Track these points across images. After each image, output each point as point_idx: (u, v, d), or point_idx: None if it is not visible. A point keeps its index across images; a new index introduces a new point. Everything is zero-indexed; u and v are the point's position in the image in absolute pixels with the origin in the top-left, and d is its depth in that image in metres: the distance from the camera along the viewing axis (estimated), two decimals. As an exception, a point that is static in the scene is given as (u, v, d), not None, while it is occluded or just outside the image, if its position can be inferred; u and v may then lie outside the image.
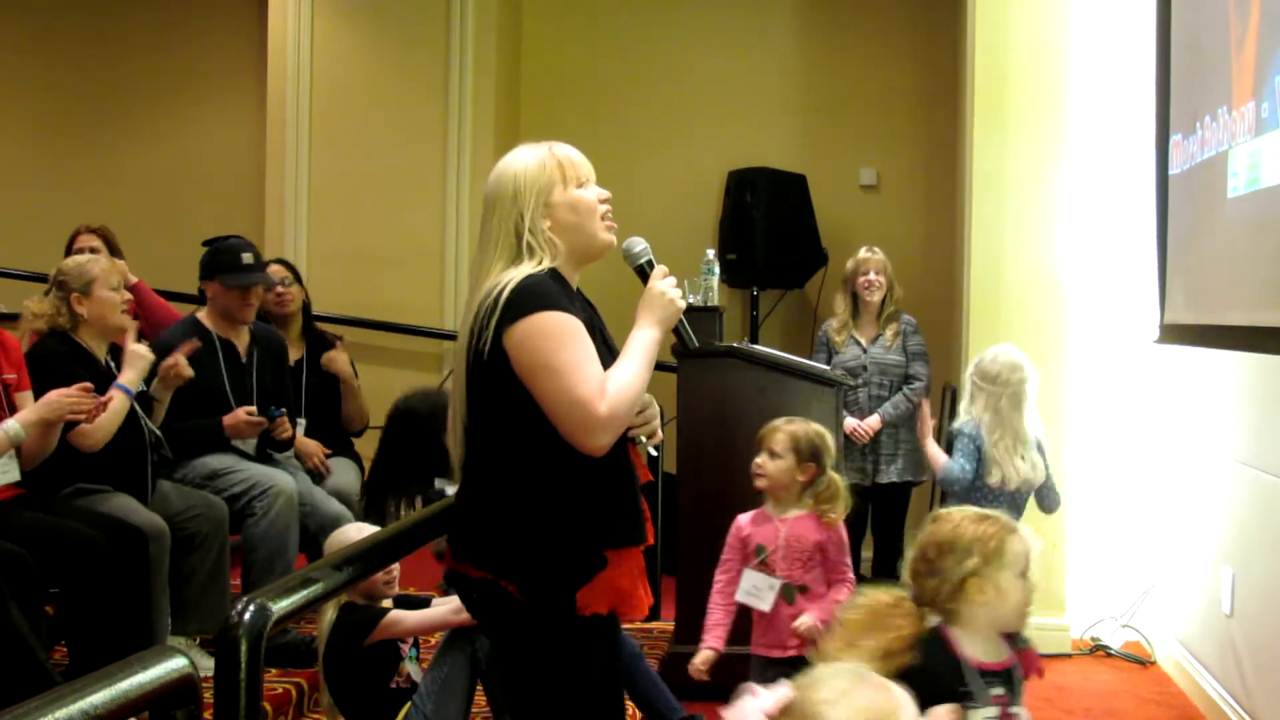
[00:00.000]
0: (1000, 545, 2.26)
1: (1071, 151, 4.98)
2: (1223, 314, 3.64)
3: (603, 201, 2.34)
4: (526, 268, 2.24)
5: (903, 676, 1.90)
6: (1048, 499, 4.13)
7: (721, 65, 6.44)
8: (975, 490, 3.99)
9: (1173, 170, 4.15)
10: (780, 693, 1.44)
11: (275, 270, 4.70)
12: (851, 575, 3.44)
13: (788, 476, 3.37)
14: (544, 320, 2.18)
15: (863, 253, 5.21)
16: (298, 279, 4.78)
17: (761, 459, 3.39)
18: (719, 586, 3.43)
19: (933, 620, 2.24)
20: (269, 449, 4.20)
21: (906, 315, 5.24)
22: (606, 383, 2.18)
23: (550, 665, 2.25)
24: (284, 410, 4.16)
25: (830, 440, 3.44)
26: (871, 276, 5.14)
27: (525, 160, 2.32)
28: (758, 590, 3.36)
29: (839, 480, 3.42)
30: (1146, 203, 4.54)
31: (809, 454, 3.38)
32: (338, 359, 4.70)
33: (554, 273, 2.27)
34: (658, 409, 2.38)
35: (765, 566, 3.37)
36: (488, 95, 6.22)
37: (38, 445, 3.34)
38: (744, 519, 3.46)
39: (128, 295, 3.72)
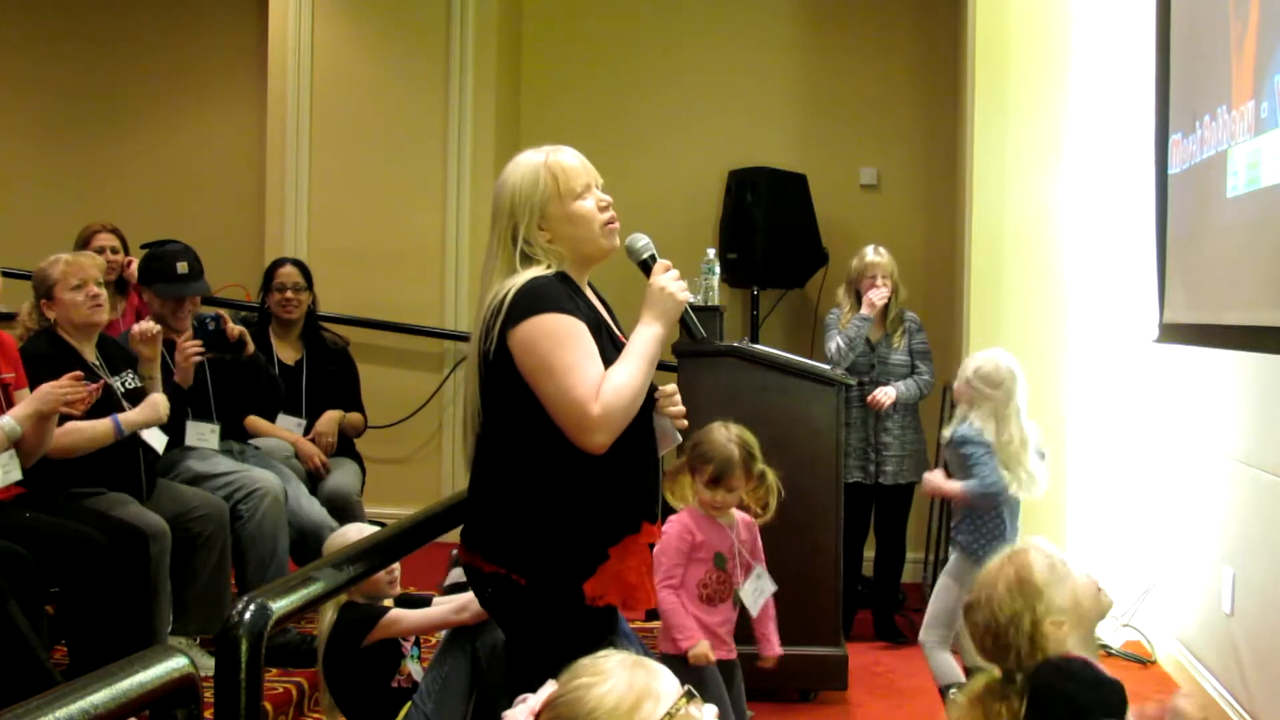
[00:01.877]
0: (1029, 577, 2.15)
1: (1071, 151, 4.98)
2: (1222, 313, 3.64)
3: (604, 208, 2.38)
4: (533, 271, 2.30)
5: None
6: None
7: (722, 65, 6.44)
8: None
9: (1172, 170, 4.15)
10: (547, 689, 1.41)
11: (288, 274, 4.64)
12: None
13: (741, 497, 3.34)
14: (545, 322, 2.24)
15: (870, 255, 5.10)
16: (309, 284, 4.68)
17: (720, 494, 3.28)
18: (672, 593, 3.28)
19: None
20: (226, 352, 4.10)
21: (911, 313, 5.22)
22: (604, 383, 2.23)
23: (562, 656, 2.28)
24: (219, 315, 4.09)
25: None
26: (879, 281, 5.08)
27: (521, 173, 2.36)
28: (754, 595, 3.36)
29: (771, 475, 3.34)
30: (1146, 202, 4.54)
31: (755, 466, 3.31)
32: (323, 437, 4.58)
33: (561, 275, 2.33)
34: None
35: (726, 575, 3.34)
36: (488, 95, 6.22)
37: (34, 440, 3.33)
38: (688, 523, 3.33)
39: (95, 291, 3.62)
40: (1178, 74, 4.12)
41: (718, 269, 4.53)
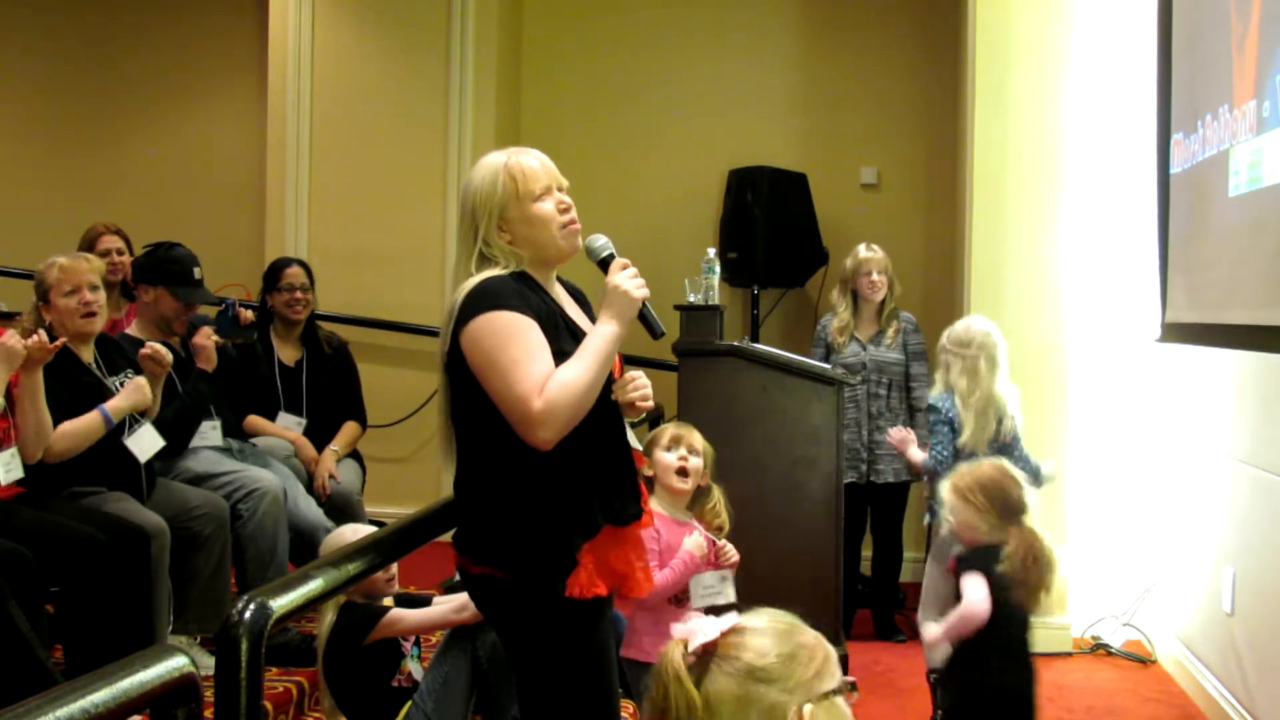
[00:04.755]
0: None
1: (1072, 150, 4.98)
2: (1224, 313, 3.64)
3: (563, 210, 2.38)
4: (489, 272, 2.33)
5: None
6: (1023, 467, 3.80)
7: (722, 64, 6.43)
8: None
9: (1174, 169, 4.15)
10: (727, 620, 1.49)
11: (295, 274, 4.60)
12: None
13: (701, 479, 3.34)
14: (491, 319, 2.25)
15: (863, 251, 5.16)
16: (312, 284, 4.66)
17: (684, 454, 3.30)
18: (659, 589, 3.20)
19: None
20: (239, 336, 4.30)
21: (906, 313, 5.23)
22: (550, 379, 2.23)
23: (554, 652, 2.32)
24: (233, 300, 4.29)
25: None
26: (874, 277, 5.10)
27: (481, 176, 2.40)
28: (712, 588, 3.32)
29: (717, 489, 3.39)
30: (1147, 202, 4.54)
31: (710, 459, 3.36)
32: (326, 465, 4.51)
33: (520, 274, 2.35)
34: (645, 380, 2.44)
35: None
36: (488, 95, 6.21)
37: (22, 417, 3.31)
38: (649, 530, 3.12)
39: (89, 298, 3.57)
40: (1179, 73, 4.12)
41: (718, 268, 4.52)
